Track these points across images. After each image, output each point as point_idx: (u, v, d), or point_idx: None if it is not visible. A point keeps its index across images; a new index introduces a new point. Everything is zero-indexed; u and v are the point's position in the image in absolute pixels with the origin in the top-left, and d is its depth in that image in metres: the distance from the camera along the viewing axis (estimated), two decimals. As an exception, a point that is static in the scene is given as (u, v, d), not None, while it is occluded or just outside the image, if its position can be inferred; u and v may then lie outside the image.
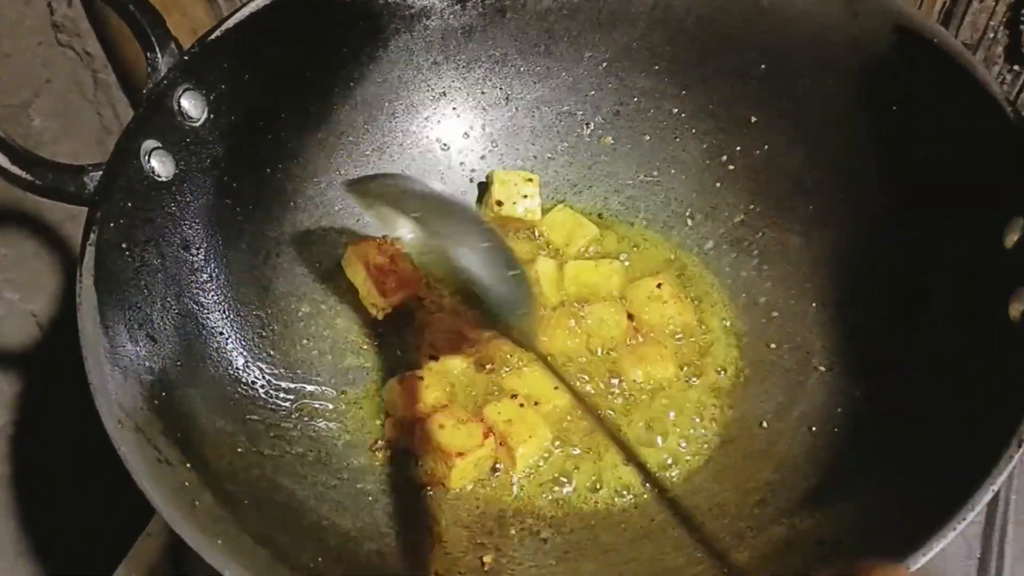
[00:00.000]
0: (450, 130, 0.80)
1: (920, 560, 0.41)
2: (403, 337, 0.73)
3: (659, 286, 0.73)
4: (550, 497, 0.64)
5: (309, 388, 0.67)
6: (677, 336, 0.72)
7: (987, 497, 0.43)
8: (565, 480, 0.65)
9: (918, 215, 0.63)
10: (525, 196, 0.77)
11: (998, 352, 0.52)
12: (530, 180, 0.78)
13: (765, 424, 0.65)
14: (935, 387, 0.56)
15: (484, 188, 0.80)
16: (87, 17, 0.98)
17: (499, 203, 0.77)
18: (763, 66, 0.72)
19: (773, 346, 0.69)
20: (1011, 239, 0.54)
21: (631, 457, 0.50)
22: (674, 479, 0.64)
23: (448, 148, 0.80)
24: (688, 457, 0.65)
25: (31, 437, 0.93)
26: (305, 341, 0.70)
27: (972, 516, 0.43)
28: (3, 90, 0.91)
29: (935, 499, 0.47)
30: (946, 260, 0.59)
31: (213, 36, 0.65)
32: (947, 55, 0.60)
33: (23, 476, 0.92)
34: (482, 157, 0.81)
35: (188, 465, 0.51)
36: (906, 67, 0.63)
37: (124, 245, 0.58)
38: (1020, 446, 0.45)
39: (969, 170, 0.59)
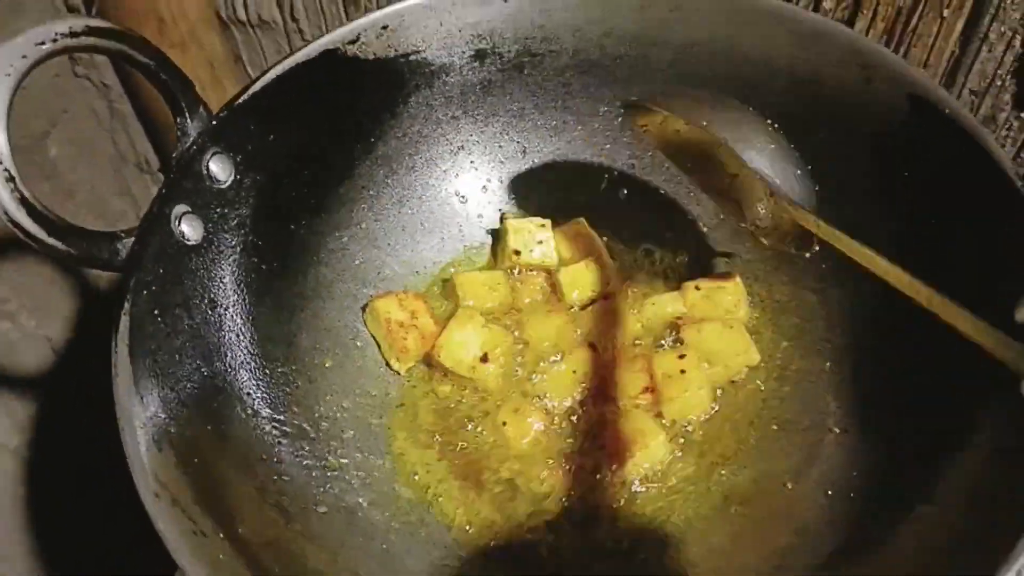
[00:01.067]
0: (468, 183, 0.81)
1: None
2: (432, 386, 0.74)
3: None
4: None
5: (334, 444, 0.68)
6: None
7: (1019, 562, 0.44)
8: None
9: (928, 281, 0.64)
10: (540, 242, 0.78)
11: (1012, 420, 0.53)
12: (543, 225, 0.79)
13: (783, 486, 0.66)
14: (949, 455, 0.57)
15: (497, 236, 0.81)
16: (114, 70, 0.99)
17: (516, 252, 0.78)
18: (775, 126, 0.72)
19: (787, 403, 0.70)
20: (1021, 314, 0.55)
21: None
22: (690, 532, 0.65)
23: (466, 201, 0.81)
24: (703, 512, 0.66)
25: (44, 459, 0.94)
26: (329, 396, 0.71)
27: None
28: (21, 121, 0.92)
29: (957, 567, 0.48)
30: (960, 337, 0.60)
31: (241, 100, 0.66)
32: (960, 127, 0.62)
33: (36, 498, 0.93)
34: (499, 210, 0.82)
35: (221, 535, 0.52)
36: (918, 136, 0.65)
37: (156, 311, 0.59)
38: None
39: (980, 242, 0.60)
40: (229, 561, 0.50)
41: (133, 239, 0.60)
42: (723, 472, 0.68)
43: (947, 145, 0.62)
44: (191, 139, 0.64)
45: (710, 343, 0.72)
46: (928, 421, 0.60)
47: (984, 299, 0.58)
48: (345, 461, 0.68)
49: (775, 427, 0.69)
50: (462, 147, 0.80)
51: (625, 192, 0.81)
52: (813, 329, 0.72)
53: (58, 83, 0.99)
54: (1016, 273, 0.56)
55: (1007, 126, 0.84)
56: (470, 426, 0.71)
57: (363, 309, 0.76)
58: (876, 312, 0.69)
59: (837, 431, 0.67)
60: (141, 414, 0.54)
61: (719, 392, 0.71)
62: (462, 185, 0.81)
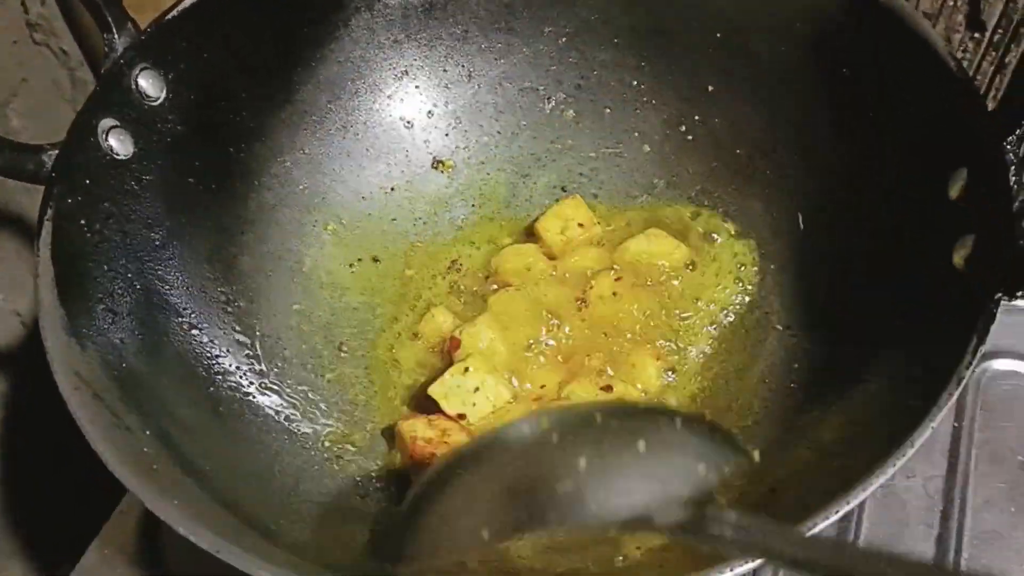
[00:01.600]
0: (413, 108, 0.80)
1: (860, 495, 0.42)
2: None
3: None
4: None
5: (274, 363, 0.68)
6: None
7: (926, 433, 0.44)
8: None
9: (871, 174, 0.64)
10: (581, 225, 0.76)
11: (945, 297, 0.53)
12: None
13: (727, 382, 0.65)
14: (888, 334, 0.57)
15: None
16: (62, 15, 0.98)
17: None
18: (718, 35, 0.72)
19: (734, 309, 0.70)
20: (956, 189, 0.55)
21: None
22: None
23: (412, 126, 0.81)
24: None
25: (18, 437, 0.93)
26: (273, 317, 0.70)
27: (911, 452, 0.44)
28: (-21, 90, 0.91)
29: (882, 441, 0.48)
30: (896, 214, 0.60)
31: (171, 15, 0.65)
32: (891, 12, 0.61)
33: (11, 475, 0.92)
34: (446, 135, 0.81)
35: (148, 432, 0.51)
36: (853, 29, 0.64)
37: (83, 221, 0.58)
38: (959, 385, 0.45)
39: (918, 124, 0.60)
40: (155, 454, 0.50)
41: (58, 151, 0.59)
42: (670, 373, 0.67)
43: (881, 32, 0.62)
44: (118, 53, 0.63)
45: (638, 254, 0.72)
46: (865, 307, 0.59)
47: (920, 181, 0.58)
48: (287, 376, 0.67)
49: (723, 328, 0.69)
50: (406, 72, 0.80)
51: (572, 113, 0.80)
52: (758, 234, 0.72)
53: (16, 51, 0.98)
54: (952, 148, 0.56)
55: (962, 48, 0.84)
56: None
57: (308, 233, 0.75)
58: (818, 210, 0.68)
59: (780, 328, 0.66)
60: (63, 315, 0.53)
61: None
62: (407, 110, 0.80)
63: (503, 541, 0.47)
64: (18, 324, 0.96)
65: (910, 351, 0.53)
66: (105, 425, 0.49)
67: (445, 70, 0.80)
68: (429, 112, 0.81)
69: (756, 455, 0.47)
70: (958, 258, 0.52)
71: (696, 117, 0.76)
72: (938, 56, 0.58)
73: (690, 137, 0.76)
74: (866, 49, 0.63)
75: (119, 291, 0.59)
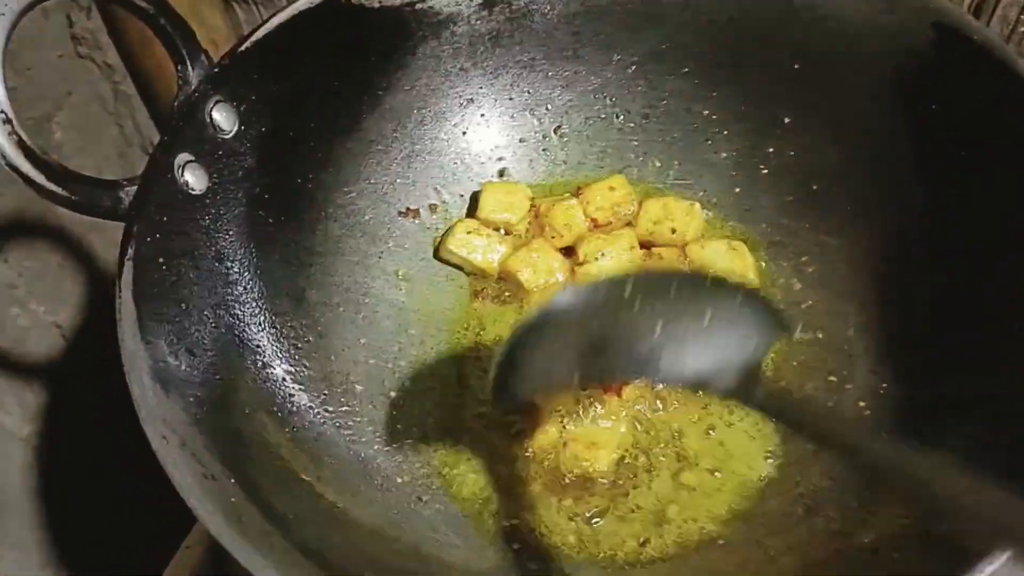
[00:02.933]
0: (478, 136, 0.79)
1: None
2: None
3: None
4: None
5: (346, 399, 0.67)
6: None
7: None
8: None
9: (959, 214, 0.62)
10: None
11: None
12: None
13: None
14: (981, 382, 0.55)
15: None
16: (106, 29, 0.98)
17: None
18: (796, 66, 0.71)
19: (815, 348, 0.68)
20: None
21: None
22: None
23: (477, 155, 0.80)
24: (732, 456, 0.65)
25: (56, 448, 0.93)
26: (342, 351, 0.69)
27: None
28: (24, 103, 0.91)
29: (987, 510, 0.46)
30: (987, 263, 0.58)
31: (243, 47, 0.65)
32: (985, 51, 0.59)
33: (48, 487, 0.92)
34: (511, 163, 0.80)
35: (233, 480, 0.51)
36: (944, 64, 0.62)
37: (161, 259, 0.58)
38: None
39: (1011, 171, 0.58)
40: (241, 504, 0.49)
41: (136, 187, 0.58)
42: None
43: (974, 70, 0.60)
44: (192, 87, 0.63)
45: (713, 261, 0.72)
46: (959, 357, 0.58)
47: (1016, 228, 0.56)
48: (358, 413, 0.66)
49: (802, 372, 0.67)
50: (472, 100, 0.79)
51: (640, 143, 0.79)
52: (836, 273, 0.70)
53: (61, 65, 0.98)
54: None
55: (1031, 73, 0.82)
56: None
57: (371, 264, 0.75)
58: (901, 252, 0.66)
59: (865, 371, 0.64)
60: (147, 358, 0.52)
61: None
62: (472, 139, 0.79)
63: (588, 385, 0.56)
64: (58, 336, 0.96)
65: (1005, 410, 0.51)
66: (194, 475, 0.48)
67: (511, 98, 0.79)
68: (494, 140, 0.80)
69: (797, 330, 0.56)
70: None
71: (770, 150, 0.74)
72: (1037, 98, 0.56)
73: (764, 170, 0.75)
74: (958, 87, 0.62)
75: (195, 330, 0.59)
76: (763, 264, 0.74)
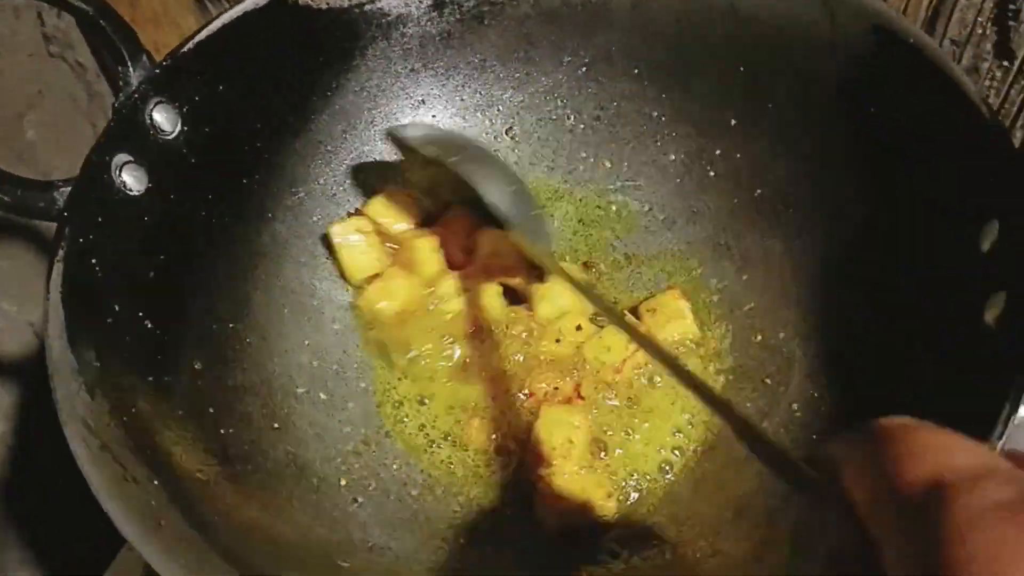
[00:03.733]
0: (430, 138, 0.79)
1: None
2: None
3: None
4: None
5: (285, 402, 0.67)
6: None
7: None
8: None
9: (898, 220, 0.62)
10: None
11: (975, 359, 0.51)
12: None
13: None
14: (915, 393, 0.54)
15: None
16: (78, 28, 0.98)
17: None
18: (742, 69, 0.71)
19: (753, 351, 0.69)
20: (987, 243, 0.53)
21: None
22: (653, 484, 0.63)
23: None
24: (670, 465, 0.64)
25: (30, 446, 0.93)
26: (284, 354, 0.69)
27: None
28: (-5, 103, 0.91)
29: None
30: (925, 264, 0.58)
31: (185, 49, 0.64)
32: (924, 56, 0.59)
33: (22, 484, 0.92)
34: (462, 164, 0.80)
35: (156, 482, 0.51)
36: (884, 70, 0.62)
37: (94, 260, 0.57)
38: (1001, 439, 0.44)
39: (948, 173, 0.58)
40: (161, 507, 0.49)
41: (70, 188, 0.58)
42: (684, 419, 0.66)
43: (913, 76, 0.60)
44: (132, 87, 0.62)
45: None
46: (893, 360, 0.58)
47: (950, 231, 0.56)
48: (298, 417, 0.66)
49: (741, 373, 0.67)
50: (423, 101, 0.78)
51: (590, 145, 0.79)
52: (779, 278, 0.70)
53: (32, 63, 0.98)
54: (983, 199, 0.54)
55: (989, 76, 0.82)
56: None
57: (319, 265, 0.74)
58: (844, 258, 0.66)
59: (801, 376, 0.65)
60: (73, 361, 0.52)
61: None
62: (423, 140, 0.79)
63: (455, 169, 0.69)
64: (31, 335, 0.96)
65: (939, 413, 0.51)
66: (113, 478, 0.48)
67: (462, 99, 0.79)
68: (446, 142, 0.80)
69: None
70: (989, 316, 0.51)
71: (717, 152, 0.74)
72: (970, 102, 0.56)
73: (712, 173, 0.75)
74: (895, 91, 0.62)
75: (128, 333, 0.59)
76: (704, 268, 0.74)
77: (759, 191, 0.72)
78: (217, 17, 0.66)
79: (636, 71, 0.76)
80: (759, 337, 0.68)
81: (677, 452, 0.66)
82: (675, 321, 0.71)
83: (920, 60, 0.59)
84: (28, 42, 0.95)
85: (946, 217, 0.57)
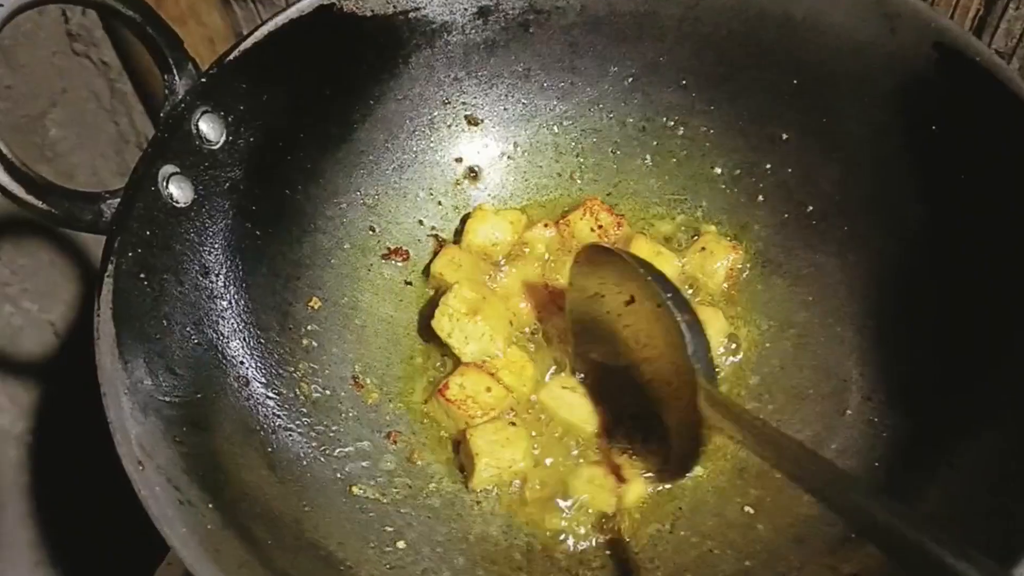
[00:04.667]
0: (471, 148, 0.78)
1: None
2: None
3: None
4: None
5: (331, 418, 0.66)
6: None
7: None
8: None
9: (956, 239, 0.61)
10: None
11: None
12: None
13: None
14: (977, 418, 0.54)
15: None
16: (102, 26, 0.97)
17: None
18: (795, 82, 0.70)
19: (807, 372, 0.67)
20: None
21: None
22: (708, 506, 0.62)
23: (470, 165, 0.78)
24: (722, 485, 0.63)
25: (49, 445, 0.92)
26: (329, 366, 0.68)
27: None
28: (19, 100, 0.90)
29: (987, 537, 0.45)
30: (985, 286, 0.57)
31: (231, 57, 0.63)
32: (987, 72, 0.58)
33: (40, 484, 0.92)
34: (504, 176, 0.79)
35: (211, 505, 0.50)
36: (945, 85, 0.61)
37: (143, 275, 0.57)
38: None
39: (1010, 193, 0.57)
40: (217, 531, 0.48)
41: (119, 200, 0.57)
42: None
43: (975, 92, 0.59)
44: (179, 97, 0.61)
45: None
46: (953, 390, 0.56)
47: (1014, 250, 0.55)
48: (342, 433, 0.65)
49: (794, 396, 0.66)
50: (465, 110, 0.77)
51: (635, 157, 0.78)
52: (833, 296, 0.69)
53: (56, 61, 0.97)
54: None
55: (1035, 87, 0.80)
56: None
57: (362, 276, 0.73)
58: (899, 276, 0.65)
59: (860, 399, 0.63)
60: (125, 380, 0.51)
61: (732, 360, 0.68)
62: (465, 150, 0.78)
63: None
64: (51, 333, 0.95)
65: (1005, 440, 0.50)
66: (169, 502, 0.47)
67: (505, 109, 0.78)
68: (488, 152, 0.79)
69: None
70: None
71: (767, 167, 0.73)
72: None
73: (761, 186, 0.74)
74: (959, 109, 0.61)
75: (177, 347, 0.58)
76: (755, 282, 0.73)
77: (810, 207, 0.71)
78: (263, 24, 0.65)
79: (684, 82, 0.75)
80: (813, 357, 0.67)
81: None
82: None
83: (988, 80, 0.58)
84: (52, 40, 0.94)
85: (1008, 238, 0.56)
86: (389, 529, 0.61)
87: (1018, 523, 0.45)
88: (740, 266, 0.73)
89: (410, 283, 0.75)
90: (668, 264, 0.72)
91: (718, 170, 0.76)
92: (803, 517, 0.58)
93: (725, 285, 0.72)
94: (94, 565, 0.98)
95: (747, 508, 0.61)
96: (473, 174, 0.79)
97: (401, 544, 0.60)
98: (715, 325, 0.68)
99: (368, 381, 0.69)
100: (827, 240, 0.70)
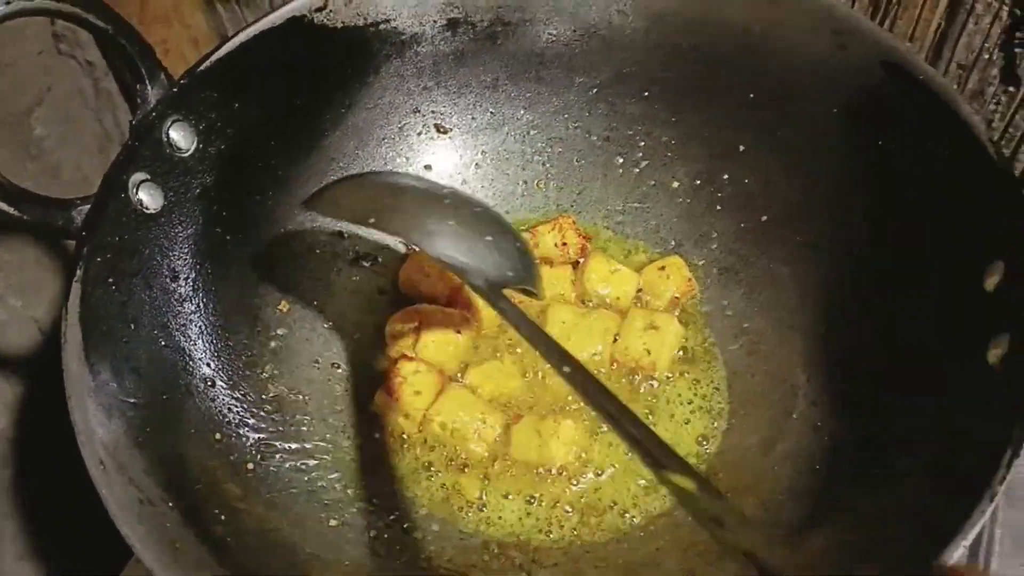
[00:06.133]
0: (440, 156, 0.80)
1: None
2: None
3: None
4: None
5: (296, 420, 0.67)
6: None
7: (974, 531, 0.43)
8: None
9: (902, 252, 0.63)
10: None
11: (978, 394, 0.52)
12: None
13: (751, 458, 0.65)
14: (918, 427, 0.56)
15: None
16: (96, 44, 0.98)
17: None
18: (752, 95, 0.71)
19: (758, 378, 0.69)
20: (991, 282, 0.54)
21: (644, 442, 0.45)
22: (655, 512, 0.64)
23: (438, 173, 0.80)
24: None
25: (32, 441, 0.93)
26: (296, 368, 0.70)
27: (961, 549, 0.43)
28: (5, 99, 0.91)
29: (915, 539, 0.47)
30: (929, 300, 0.59)
31: (203, 67, 0.65)
32: (934, 93, 0.60)
33: (24, 479, 0.93)
34: (472, 183, 0.81)
35: (171, 504, 0.51)
36: (893, 102, 0.63)
37: (111, 280, 0.58)
38: (992, 500, 0.45)
39: (953, 210, 0.59)
40: (177, 530, 0.49)
41: (89, 206, 0.59)
42: (690, 444, 0.67)
43: (921, 111, 0.61)
44: (150, 106, 0.63)
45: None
46: (896, 393, 0.58)
47: (954, 269, 0.57)
48: (310, 436, 0.67)
49: (745, 401, 0.68)
50: (435, 119, 0.79)
51: (599, 165, 0.80)
52: (786, 303, 0.71)
53: (42, 60, 0.98)
54: (988, 239, 0.55)
55: (995, 100, 0.82)
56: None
57: (332, 281, 0.75)
58: (849, 287, 0.67)
59: (806, 404, 0.65)
60: (90, 383, 0.53)
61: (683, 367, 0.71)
62: (434, 158, 0.80)
63: (377, 229, 0.61)
64: (35, 330, 0.96)
65: (943, 449, 0.52)
66: (129, 501, 0.49)
67: (474, 118, 0.80)
68: (456, 160, 0.80)
69: (543, 294, 0.64)
70: (993, 357, 0.51)
71: (726, 176, 0.75)
72: (978, 142, 0.57)
73: (720, 195, 0.76)
74: (905, 126, 0.62)
75: (143, 350, 0.59)
76: (711, 291, 0.75)
77: (766, 216, 0.73)
78: (235, 35, 0.67)
79: (647, 94, 0.77)
80: (765, 363, 0.69)
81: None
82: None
83: (929, 97, 0.60)
84: (38, 39, 0.95)
85: (951, 254, 0.58)
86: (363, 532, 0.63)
87: (947, 523, 0.47)
88: (690, 297, 0.75)
89: (384, 292, 0.77)
90: (626, 282, 0.74)
91: (679, 179, 0.78)
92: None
93: (677, 295, 0.74)
94: (77, 559, 0.99)
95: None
96: (441, 181, 0.80)
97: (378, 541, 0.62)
98: (671, 330, 0.70)
99: (330, 382, 0.71)
100: (781, 248, 0.72)
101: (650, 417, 0.69)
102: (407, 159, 0.79)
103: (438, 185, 0.69)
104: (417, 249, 0.66)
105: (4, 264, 0.89)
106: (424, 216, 0.60)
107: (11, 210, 0.56)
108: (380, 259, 0.78)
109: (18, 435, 0.93)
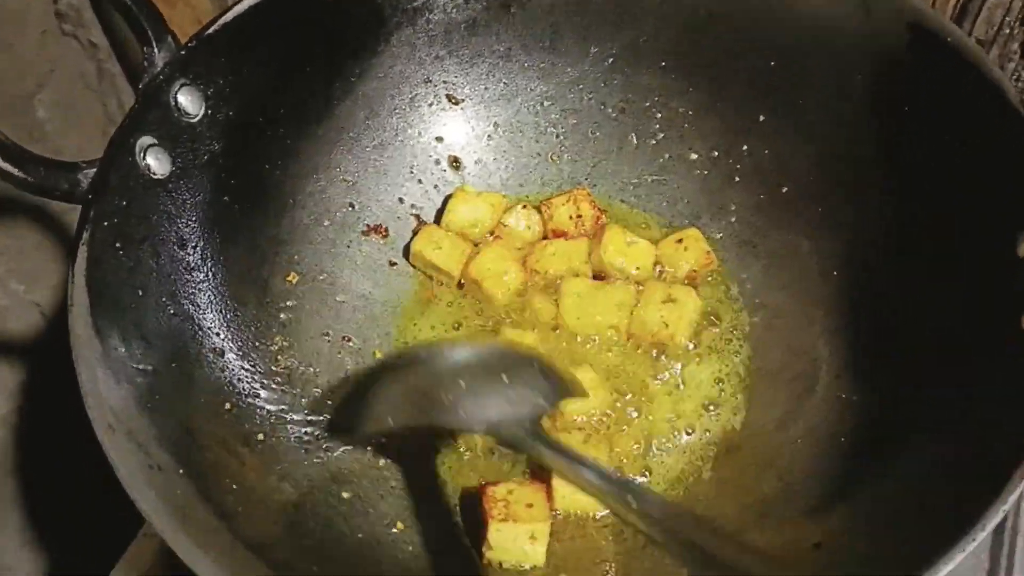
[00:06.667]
0: (452, 127, 0.78)
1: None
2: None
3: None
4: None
5: (306, 391, 0.66)
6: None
7: (997, 518, 0.42)
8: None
9: (930, 221, 0.62)
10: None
11: (1011, 366, 0.50)
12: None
13: (770, 433, 0.63)
14: (946, 400, 0.54)
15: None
16: (91, 6, 0.97)
17: None
18: (772, 63, 0.70)
19: (779, 352, 0.68)
20: (1023, 248, 0.52)
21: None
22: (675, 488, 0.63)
23: (449, 145, 0.79)
24: (688, 465, 0.64)
25: (35, 426, 0.92)
26: (305, 341, 0.69)
27: (982, 536, 0.42)
28: (6, 81, 0.90)
29: (942, 519, 0.46)
30: (958, 268, 0.58)
31: (211, 30, 0.63)
32: (961, 55, 0.59)
33: (27, 466, 0.92)
34: (484, 154, 0.79)
35: (181, 471, 0.50)
36: (919, 67, 0.62)
37: (118, 244, 0.57)
38: (1021, 482, 0.43)
39: (982, 175, 0.57)
40: (186, 497, 0.48)
41: (95, 170, 0.57)
42: (709, 418, 0.65)
43: (948, 74, 0.59)
44: (157, 69, 0.62)
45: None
46: (924, 365, 0.57)
47: (986, 230, 0.56)
48: (318, 406, 0.65)
49: (765, 376, 0.66)
50: (446, 89, 0.78)
51: (615, 137, 0.78)
52: (806, 277, 0.69)
53: (45, 42, 0.97)
54: (1020, 204, 0.53)
55: (1015, 76, 0.81)
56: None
57: (339, 253, 0.74)
58: (873, 258, 0.66)
59: (830, 378, 0.64)
60: (98, 347, 0.52)
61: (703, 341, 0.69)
62: (445, 129, 0.78)
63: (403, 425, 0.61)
64: (38, 315, 0.95)
65: (968, 424, 0.50)
66: (139, 466, 0.47)
67: (487, 88, 0.78)
68: (467, 131, 0.79)
69: (590, 394, 0.63)
70: (1026, 323, 0.50)
71: (744, 148, 0.74)
72: (1009, 105, 0.55)
73: (738, 167, 0.74)
74: (932, 90, 0.61)
75: (152, 317, 0.58)
76: (730, 265, 0.73)
77: (786, 188, 0.72)
78: (243, -1, 0.65)
79: (663, 64, 0.75)
80: (786, 337, 0.68)
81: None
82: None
83: (957, 60, 0.59)
84: (40, 20, 0.94)
85: (980, 221, 0.57)
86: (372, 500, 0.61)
87: (968, 509, 0.45)
88: (707, 274, 0.73)
89: (395, 263, 0.76)
90: (643, 255, 0.72)
91: (696, 151, 0.76)
92: (767, 493, 0.59)
93: (695, 268, 0.73)
94: (80, 546, 0.98)
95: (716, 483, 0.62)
96: (454, 154, 0.79)
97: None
98: (689, 303, 0.69)
99: (341, 355, 0.70)
100: (801, 221, 0.71)
101: (670, 395, 0.67)
102: (418, 131, 0.78)
103: (431, 348, 0.67)
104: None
105: (5, 249, 0.88)
106: (443, 393, 0.58)
107: (15, 171, 0.55)
108: (391, 231, 0.76)
109: (20, 421, 0.93)
